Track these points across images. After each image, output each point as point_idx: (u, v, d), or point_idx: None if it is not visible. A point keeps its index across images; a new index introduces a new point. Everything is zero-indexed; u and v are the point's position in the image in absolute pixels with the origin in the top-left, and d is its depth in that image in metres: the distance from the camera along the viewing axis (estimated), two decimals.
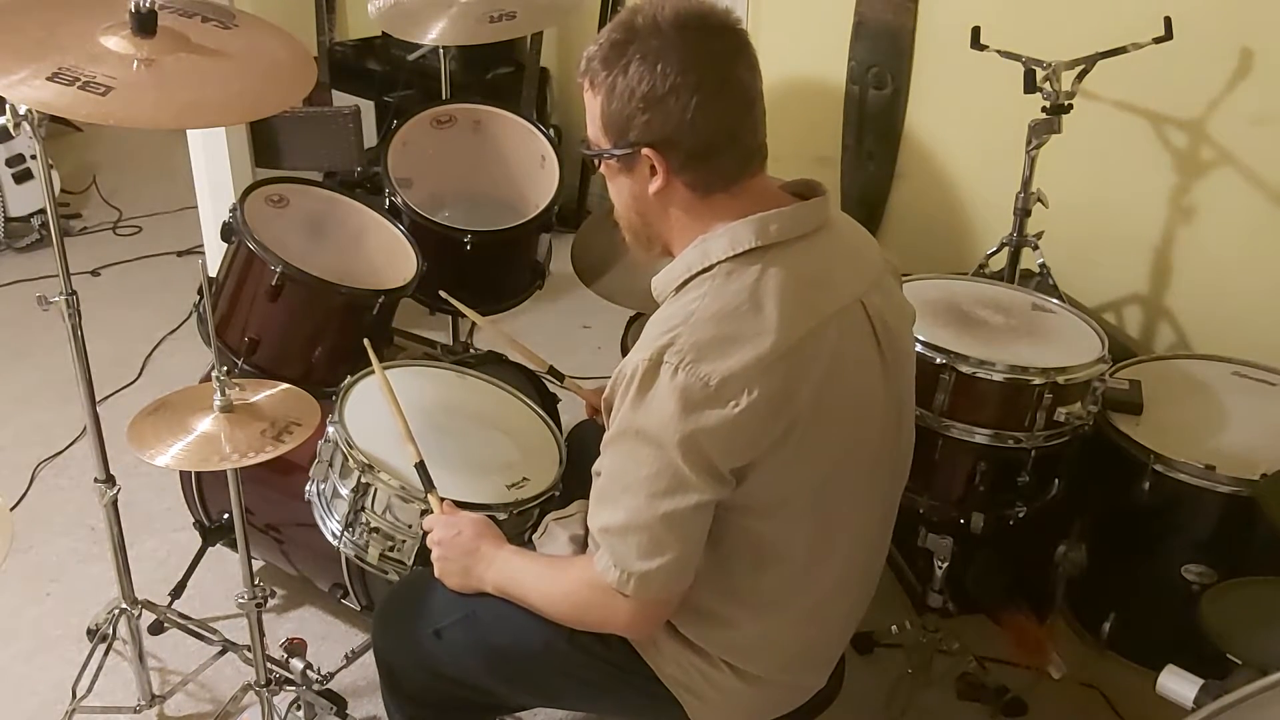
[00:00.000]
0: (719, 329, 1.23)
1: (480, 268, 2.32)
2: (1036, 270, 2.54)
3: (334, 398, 1.81)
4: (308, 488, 1.82)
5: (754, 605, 1.39)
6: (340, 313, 2.06)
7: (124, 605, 1.99)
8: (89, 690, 2.03)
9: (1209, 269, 2.61)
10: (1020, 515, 1.96)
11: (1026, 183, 2.44)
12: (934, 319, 1.98)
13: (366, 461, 1.68)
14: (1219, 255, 2.59)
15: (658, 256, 1.38)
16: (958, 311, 2.04)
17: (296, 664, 1.98)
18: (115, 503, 1.91)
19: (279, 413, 1.66)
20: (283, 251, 1.99)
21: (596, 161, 1.34)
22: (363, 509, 1.72)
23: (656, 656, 1.43)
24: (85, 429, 1.87)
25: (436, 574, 1.53)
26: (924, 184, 3.17)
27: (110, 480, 1.90)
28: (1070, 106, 2.35)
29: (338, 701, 2.02)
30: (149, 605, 2.08)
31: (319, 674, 2.00)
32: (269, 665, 1.92)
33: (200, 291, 1.86)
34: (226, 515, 2.20)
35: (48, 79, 1.39)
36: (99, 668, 2.07)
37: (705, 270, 1.28)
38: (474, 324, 2.70)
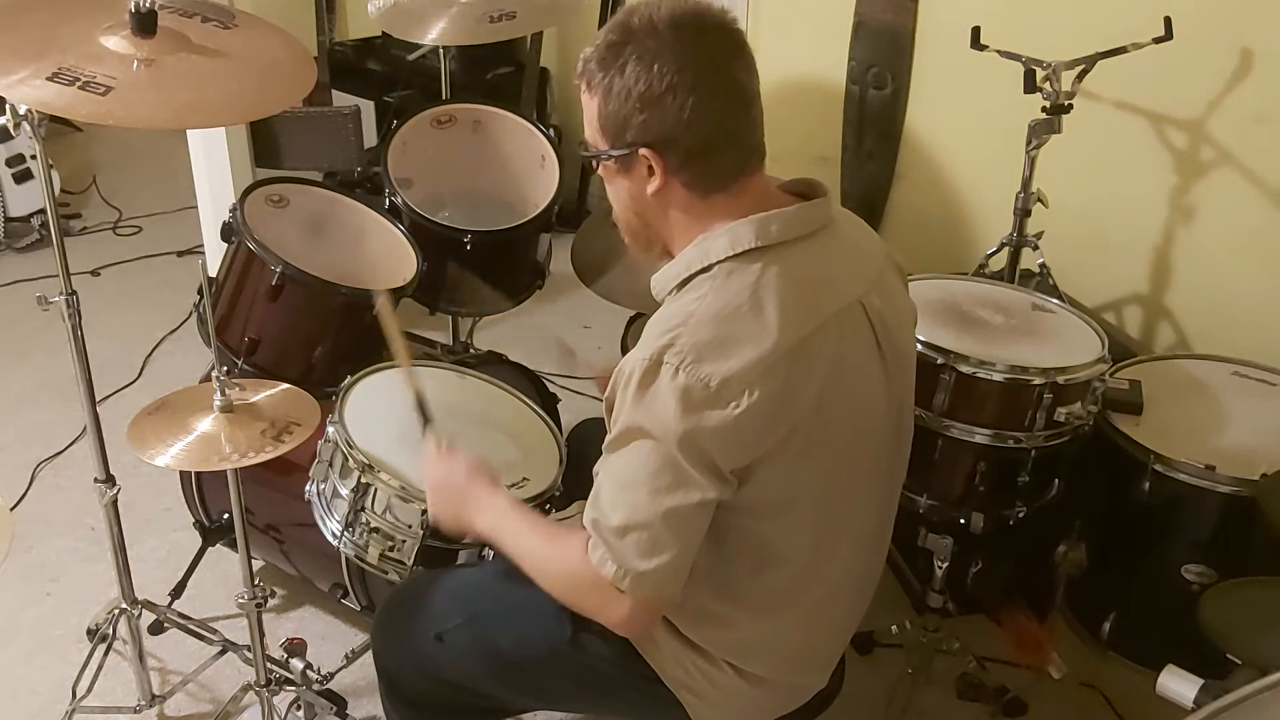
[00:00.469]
0: (719, 329, 1.22)
1: (480, 268, 2.33)
2: (1036, 270, 2.54)
3: (334, 398, 1.81)
4: (308, 488, 1.82)
5: (755, 606, 1.39)
6: (340, 313, 2.06)
7: (124, 605, 1.99)
8: (89, 690, 2.03)
9: (1209, 269, 2.61)
10: (1020, 515, 1.96)
11: (1026, 183, 2.44)
12: (934, 319, 1.98)
13: (366, 461, 1.69)
14: (1219, 255, 2.59)
15: (657, 257, 1.37)
16: (958, 311, 2.04)
17: (296, 664, 1.98)
18: (115, 503, 1.91)
19: (279, 413, 1.66)
20: (283, 251, 2.00)
21: (595, 163, 1.33)
22: (363, 509, 1.72)
23: (658, 657, 1.43)
24: (85, 429, 1.87)
25: (430, 515, 1.52)
26: (924, 184, 3.17)
27: (110, 480, 1.90)
28: (1070, 106, 2.35)
29: (338, 701, 2.02)
30: (149, 605, 2.08)
31: (319, 674, 2.00)
32: (269, 665, 1.93)
33: (200, 291, 1.86)
34: (226, 515, 2.20)
35: (48, 79, 1.39)
36: (99, 668, 2.07)
37: (705, 270, 1.28)
38: (474, 324, 2.72)
